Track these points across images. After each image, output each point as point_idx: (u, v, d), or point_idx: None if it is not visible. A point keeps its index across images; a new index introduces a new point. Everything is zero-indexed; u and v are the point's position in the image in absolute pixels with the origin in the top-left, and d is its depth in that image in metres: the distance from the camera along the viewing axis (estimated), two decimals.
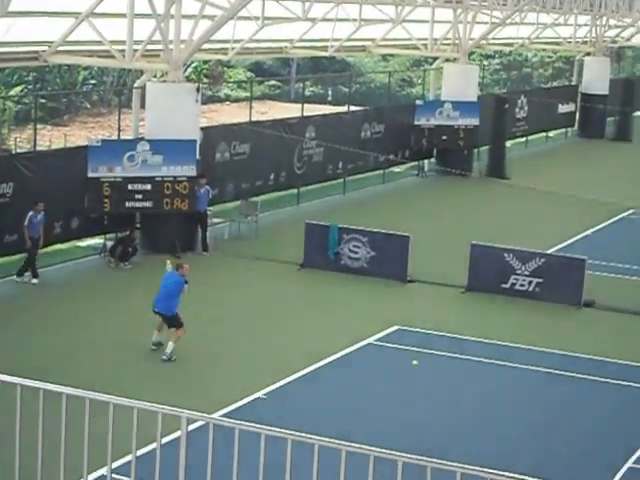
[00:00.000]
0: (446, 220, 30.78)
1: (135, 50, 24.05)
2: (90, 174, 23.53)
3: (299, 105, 34.10)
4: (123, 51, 24.14)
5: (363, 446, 7.31)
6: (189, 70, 51.26)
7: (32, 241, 21.73)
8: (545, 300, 22.13)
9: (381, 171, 36.21)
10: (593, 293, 22.40)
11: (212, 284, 22.42)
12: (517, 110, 44.97)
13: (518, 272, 22.47)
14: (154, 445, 7.89)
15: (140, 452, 8.38)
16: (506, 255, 22.62)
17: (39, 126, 36.29)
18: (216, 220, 27.27)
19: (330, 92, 64.78)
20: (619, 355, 19.09)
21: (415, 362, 18.15)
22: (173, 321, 17.75)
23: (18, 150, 37.90)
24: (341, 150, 31.95)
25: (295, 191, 31.71)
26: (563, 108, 49.83)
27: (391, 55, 59.71)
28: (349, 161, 33.72)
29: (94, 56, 26.11)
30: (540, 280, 22.30)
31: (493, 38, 42.77)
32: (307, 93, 47.77)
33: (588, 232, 29.50)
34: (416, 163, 38.61)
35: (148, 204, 24.16)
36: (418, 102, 38.14)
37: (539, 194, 33.24)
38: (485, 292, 22.60)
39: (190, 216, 24.91)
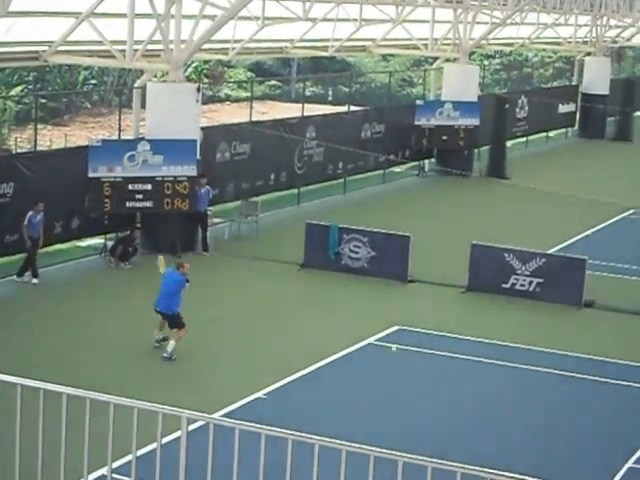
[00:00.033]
0: (446, 220, 30.78)
1: (135, 50, 24.05)
2: (90, 174, 23.53)
3: (299, 105, 34.10)
4: (123, 51, 24.14)
5: (363, 446, 7.31)
6: (189, 70, 51.24)
7: (31, 241, 21.73)
8: (545, 300, 22.13)
9: (381, 171, 36.21)
10: (593, 293, 22.40)
11: (212, 284, 22.42)
12: (517, 110, 44.96)
13: (518, 272, 22.47)
14: (154, 445, 7.89)
15: (140, 452, 8.38)
16: (506, 255, 22.62)
17: (39, 126, 36.27)
18: (216, 220, 27.27)
19: (330, 92, 64.77)
20: (619, 355, 19.09)
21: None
22: (174, 321, 17.74)
23: (18, 150, 37.90)
24: (341, 150, 31.95)
25: (295, 191, 31.71)
26: (563, 108, 49.82)
27: (391, 55, 59.70)
28: (349, 161, 33.72)
29: (94, 56, 26.12)
30: (540, 280, 22.30)
31: (493, 38, 42.77)
32: (307, 93, 47.74)
33: (588, 232, 29.50)
34: (416, 163, 38.60)
35: (148, 204, 24.16)
36: (418, 102, 38.13)
37: (539, 194, 33.23)
38: (485, 292, 22.60)
39: (190, 216, 24.91)
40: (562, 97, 49.81)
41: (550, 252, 24.82)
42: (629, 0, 49.95)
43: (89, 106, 54.58)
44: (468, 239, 23.60)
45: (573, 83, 54.48)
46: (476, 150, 39.47)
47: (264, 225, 27.87)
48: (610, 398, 17.24)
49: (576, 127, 51.52)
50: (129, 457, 8.19)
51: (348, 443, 7.28)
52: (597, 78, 50.63)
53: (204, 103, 31.93)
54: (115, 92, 50.97)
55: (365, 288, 22.83)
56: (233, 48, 28.82)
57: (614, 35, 53.65)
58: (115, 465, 8.47)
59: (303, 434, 7.44)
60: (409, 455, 7.19)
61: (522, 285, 22.46)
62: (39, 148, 29.78)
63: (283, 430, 7.49)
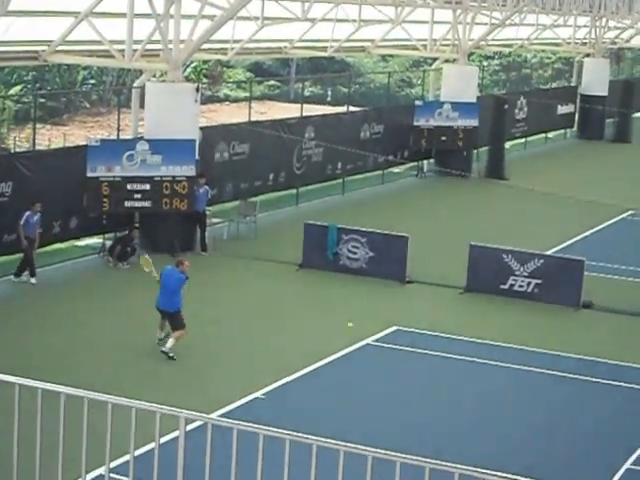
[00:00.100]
0: (445, 221, 30.79)
1: (135, 50, 24.04)
2: (89, 174, 23.52)
3: (298, 105, 34.10)
4: (123, 51, 24.13)
5: (361, 446, 7.31)
6: (188, 70, 51.26)
7: (28, 241, 21.71)
8: (544, 301, 22.13)
9: (380, 171, 36.21)
10: (592, 294, 22.40)
11: (211, 284, 22.42)
12: (516, 111, 44.96)
13: (517, 273, 22.46)
14: (152, 445, 7.90)
15: (138, 452, 8.39)
16: (505, 256, 22.62)
17: (38, 125, 36.27)
18: (215, 220, 27.27)
19: (329, 92, 64.77)
20: (617, 356, 19.09)
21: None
22: (175, 320, 17.72)
23: (17, 149, 37.91)
24: (340, 150, 31.94)
25: (294, 191, 31.70)
26: (562, 109, 49.82)
27: (390, 56, 59.69)
28: (348, 161, 33.72)
29: (94, 56, 26.11)
30: (539, 281, 22.30)
31: (492, 39, 42.74)
32: (306, 93, 47.80)
33: (587, 233, 29.50)
34: (415, 164, 38.60)
35: (147, 204, 24.14)
36: (417, 103, 38.12)
37: (538, 195, 33.23)
38: (484, 293, 22.60)
39: (189, 216, 24.90)
40: (561, 98, 49.82)
41: (548, 253, 24.82)
42: (628, 1, 49.96)
43: (88, 106, 54.60)
44: (466, 240, 23.60)
45: (572, 84, 54.49)
46: (475, 151, 39.48)
47: (263, 225, 27.87)
48: (610, 399, 17.24)
49: (575, 128, 51.51)
50: (127, 457, 8.21)
51: (346, 443, 7.28)
52: (596, 79, 50.63)
53: (203, 103, 31.94)
54: (114, 92, 50.99)
55: (363, 288, 22.83)
56: (232, 48, 28.81)
57: (613, 36, 53.65)
58: (113, 465, 8.49)
59: (301, 434, 7.44)
60: (407, 455, 7.19)
61: (520, 286, 22.45)
62: (38, 147, 29.76)
63: (281, 430, 7.49)
